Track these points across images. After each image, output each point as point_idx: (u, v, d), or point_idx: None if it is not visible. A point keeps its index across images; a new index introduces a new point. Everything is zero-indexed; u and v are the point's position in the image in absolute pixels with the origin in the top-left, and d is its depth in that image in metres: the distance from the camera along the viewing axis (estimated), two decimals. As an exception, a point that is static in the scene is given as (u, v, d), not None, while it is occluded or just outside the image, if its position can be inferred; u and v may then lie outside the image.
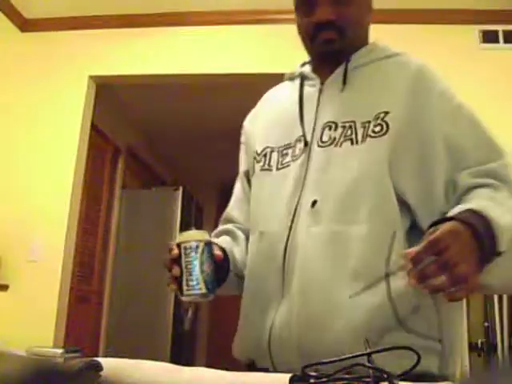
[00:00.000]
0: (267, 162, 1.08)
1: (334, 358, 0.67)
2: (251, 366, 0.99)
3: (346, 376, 0.66)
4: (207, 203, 5.49)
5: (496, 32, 2.81)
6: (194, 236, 0.92)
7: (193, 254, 0.90)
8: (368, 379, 0.63)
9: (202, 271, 0.89)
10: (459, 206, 0.88)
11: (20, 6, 3.01)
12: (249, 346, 1.01)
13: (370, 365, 0.64)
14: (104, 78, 3.10)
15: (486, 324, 2.42)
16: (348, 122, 1.00)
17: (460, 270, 0.75)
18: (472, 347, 2.40)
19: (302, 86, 1.12)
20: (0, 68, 2.98)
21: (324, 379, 0.67)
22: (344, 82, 1.05)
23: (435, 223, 0.83)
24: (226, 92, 3.91)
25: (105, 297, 4.09)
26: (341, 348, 0.83)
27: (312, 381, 0.67)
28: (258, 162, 1.10)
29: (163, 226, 4.17)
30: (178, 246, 0.92)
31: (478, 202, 0.87)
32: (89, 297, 3.83)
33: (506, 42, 2.80)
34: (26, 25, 3.12)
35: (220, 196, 5.98)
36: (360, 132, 0.98)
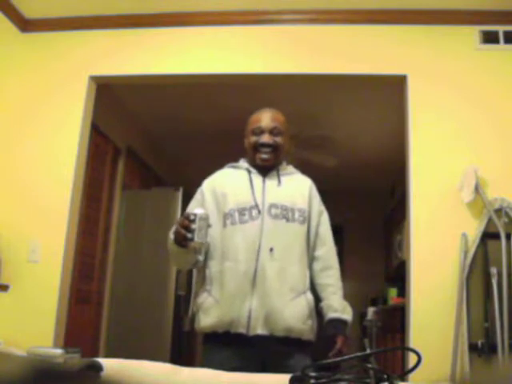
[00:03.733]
0: (233, 219, 1.85)
1: (334, 359, 0.67)
2: (225, 334, 1.78)
3: (346, 376, 0.66)
4: (207, 203, 5.48)
5: (496, 32, 2.81)
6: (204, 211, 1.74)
7: (203, 221, 1.69)
8: (368, 379, 0.63)
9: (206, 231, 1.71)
10: (332, 308, 1.89)
11: (20, 7, 3.01)
12: (229, 321, 1.77)
13: (370, 365, 0.64)
14: (104, 78, 3.10)
15: (486, 324, 2.42)
16: (284, 205, 1.88)
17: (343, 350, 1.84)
18: (472, 347, 2.40)
19: (249, 173, 1.94)
20: (0, 69, 2.98)
21: (324, 379, 0.66)
22: (279, 181, 1.95)
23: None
24: (226, 92, 3.92)
25: (105, 297, 4.09)
26: (287, 325, 1.77)
27: (312, 381, 0.67)
28: (227, 218, 1.86)
29: (163, 226, 4.16)
30: (195, 214, 1.68)
31: (336, 306, 1.89)
32: (89, 297, 3.83)
33: (506, 42, 2.79)
34: (26, 25, 3.12)
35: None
36: (290, 214, 1.88)
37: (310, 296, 1.87)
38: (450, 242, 2.56)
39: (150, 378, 0.78)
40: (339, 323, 1.87)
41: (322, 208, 2.02)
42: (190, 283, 4.28)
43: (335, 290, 1.92)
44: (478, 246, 2.51)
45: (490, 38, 2.81)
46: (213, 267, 1.86)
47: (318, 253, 1.95)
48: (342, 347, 1.82)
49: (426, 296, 2.54)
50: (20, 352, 0.82)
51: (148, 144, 5.03)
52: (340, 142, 5.01)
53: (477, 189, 2.54)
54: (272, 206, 1.87)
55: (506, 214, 2.51)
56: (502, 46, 2.80)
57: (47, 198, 2.86)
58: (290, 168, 2.05)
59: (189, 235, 1.67)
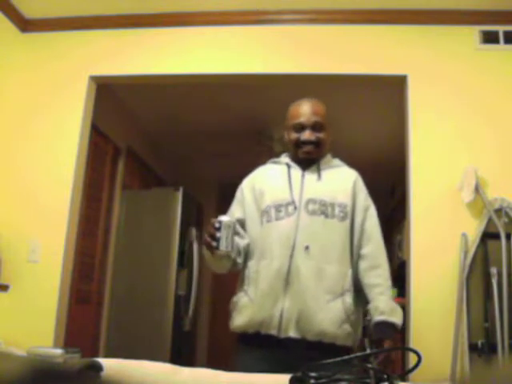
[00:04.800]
0: (269, 216, 1.79)
1: (334, 359, 0.67)
2: (256, 335, 1.71)
3: (346, 376, 0.66)
4: (207, 203, 5.49)
5: (496, 32, 2.81)
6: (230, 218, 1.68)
7: (228, 228, 1.63)
8: (368, 379, 0.63)
9: (232, 239, 1.65)
10: (379, 310, 1.73)
11: (20, 7, 3.01)
12: (260, 321, 1.70)
13: (370, 365, 0.64)
14: (104, 78, 3.10)
15: (486, 324, 2.42)
16: (323, 201, 1.79)
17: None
18: (472, 347, 2.40)
19: (288, 168, 1.88)
20: (0, 69, 2.98)
21: (324, 379, 0.66)
22: (319, 175, 1.86)
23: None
24: (226, 92, 3.91)
25: (105, 297, 4.09)
26: (320, 329, 1.67)
27: (312, 381, 0.67)
28: (264, 216, 1.81)
29: (163, 226, 4.17)
30: (220, 222, 1.63)
31: (382, 307, 1.73)
32: (89, 297, 3.83)
33: (506, 42, 2.79)
34: (26, 25, 3.12)
35: (220, 196, 5.98)
36: (329, 210, 1.78)
37: (348, 299, 1.73)
38: (450, 241, 2.56)
39: (150, 377, 0.79)
40: (386, 326, 1.71)
41: (369, 202, 1.90)
42: (190, 283, 4.28)
43: (383, 291, 1.76)
44: (478, 246, 2.51)
45: (489, 38, 2.81)
46: (251, 267, 1.79)
47: (365, 250, 1.81)
48: (390, 352, 1.75)
49: (425, 296, 2.54)
50: (20, 352, 0.82)
51: (148, 144, 5.03)
52: (340, 142, 5.01)
53: (477, 189, 2.54)
54: (310, 201, 1.78)
55: (506, 213, 2.51)
56: (502, 46, 2.80)
57: (47, 198, 2.86)
58: (335, 161, 1.96)
59: (214, 243, 1.63)
